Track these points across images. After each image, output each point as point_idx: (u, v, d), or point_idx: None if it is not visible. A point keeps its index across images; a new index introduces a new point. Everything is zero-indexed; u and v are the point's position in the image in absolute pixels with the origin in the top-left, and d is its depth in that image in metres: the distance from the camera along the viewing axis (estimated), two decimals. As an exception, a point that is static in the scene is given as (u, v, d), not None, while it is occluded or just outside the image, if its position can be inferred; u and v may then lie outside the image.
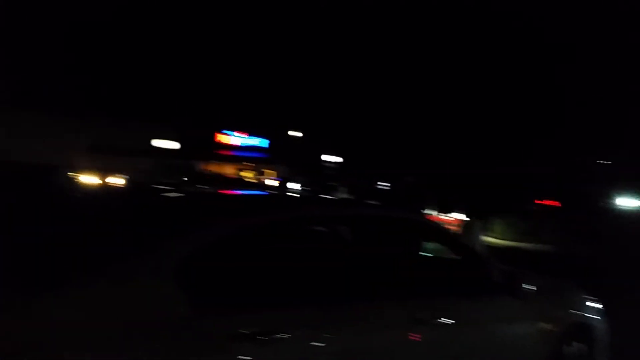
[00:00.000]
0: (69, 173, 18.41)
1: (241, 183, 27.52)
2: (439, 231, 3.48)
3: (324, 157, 41.88)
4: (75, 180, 19.30)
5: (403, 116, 38.85)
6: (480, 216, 14.20)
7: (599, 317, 4.05)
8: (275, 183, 32.13)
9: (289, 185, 30.57)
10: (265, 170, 39.81)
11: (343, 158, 39.49)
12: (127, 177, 23.32)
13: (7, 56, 29.71)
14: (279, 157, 38.82)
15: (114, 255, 2.22)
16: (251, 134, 40.68)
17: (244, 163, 40.42)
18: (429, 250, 3.76)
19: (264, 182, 33.38)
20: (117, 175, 22.70)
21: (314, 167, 35.87)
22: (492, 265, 3.56)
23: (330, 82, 43.49)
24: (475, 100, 35.58)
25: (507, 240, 13.64)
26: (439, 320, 2.94)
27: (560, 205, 17.90)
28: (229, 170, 39.16)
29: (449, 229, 3.47)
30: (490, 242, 14.04)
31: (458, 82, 37.60)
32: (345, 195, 25.42)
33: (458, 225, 15.20)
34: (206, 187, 22.69)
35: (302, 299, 2.49)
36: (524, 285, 3.40)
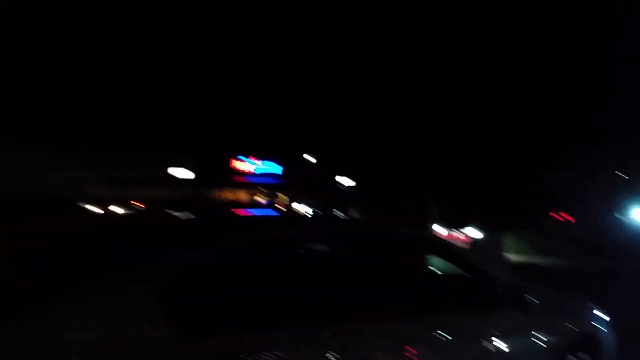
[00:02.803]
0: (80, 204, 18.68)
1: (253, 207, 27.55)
2: (441, 246, 3.60)
3: (339, 179, 41.90)
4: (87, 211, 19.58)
5: (416, 133, 38.68)
6: (497, 232, 14.17)
7: (606, 329, 4.11)
8: (286, 208, 32.26)
9: (302, 209, 30.66)
10: (280, 195, 39.97)
11: (357, 180, 39.52)
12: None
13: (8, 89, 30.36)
14: (293, 182, 38.98)
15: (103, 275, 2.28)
16: (263, 158, 40.98)
17: (259, 189, 40.64)
18: (432, 266, 3.85)
19: (276, 206, 33.50)
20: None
21: (327, 190, 35.91)
22: (497, 279, 3.65)
23: (342, 101, 43.66)
24: (482, 107, 35.35)
25: (521, 255, 13.57)
26: (439, 336, 3.02)
27: (573, 219, 17.76)
28: (242, 196, 39.41)
29: (452, 244, 3.55)
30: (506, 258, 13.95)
31: (463, 92, 37.46)
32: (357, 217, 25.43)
33: (468, 242, 15.17)
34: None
35: (295, 319, 2.51)
36: (528, 299, 3.48)
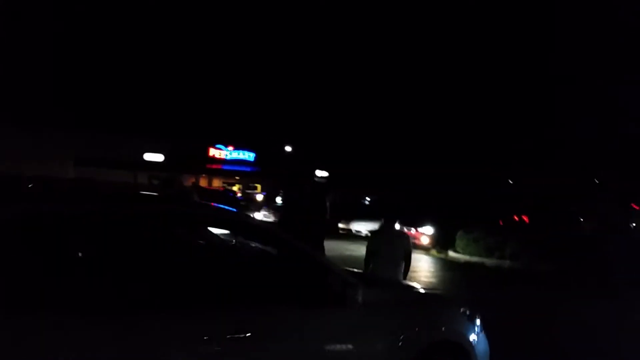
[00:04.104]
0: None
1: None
2: (250, 227, 3.03)
3: (318, 172, 41.41)
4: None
5: (385, 129, 38.65)
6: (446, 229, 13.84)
7: (474, 335, 3.57)
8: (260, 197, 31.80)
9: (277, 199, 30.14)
10: (253, 184, 39.44)
11: (331, 172, 39.00)
12: None
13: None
14: (267, 171, 38.33)
15: None
16: (240, 147, 40.27)
17: (236, 177, 40.09)
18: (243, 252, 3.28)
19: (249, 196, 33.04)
20: None
21: (299, 182, 35.39)
22: (334, 271, 3.10)
23: (321, 95, 43.39)
24: (444, 113, 35.54)
25: (470, 255, 13.12)
26: (239, 336, 2.52)
27: (527, 220, 17.46)
28: (216, 183, 38.80)
29: (269, 227, 3.01)
30: (453, 257, 13.53)
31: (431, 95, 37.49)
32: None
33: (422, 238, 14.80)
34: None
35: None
36: (358, 297, 2.92)
